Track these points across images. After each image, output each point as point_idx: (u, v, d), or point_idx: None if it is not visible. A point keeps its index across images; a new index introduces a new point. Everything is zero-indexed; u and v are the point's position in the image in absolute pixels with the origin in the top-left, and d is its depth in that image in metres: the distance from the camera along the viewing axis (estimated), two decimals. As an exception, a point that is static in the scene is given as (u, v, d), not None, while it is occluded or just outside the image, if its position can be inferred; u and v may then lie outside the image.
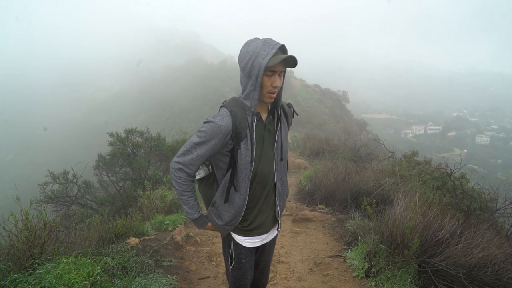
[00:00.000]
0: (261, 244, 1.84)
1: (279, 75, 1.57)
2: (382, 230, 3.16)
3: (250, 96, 1.58)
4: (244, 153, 1.62)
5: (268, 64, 1.49)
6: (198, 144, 1.60)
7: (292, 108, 1.85)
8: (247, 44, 1.56)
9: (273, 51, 1.50)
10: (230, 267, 1.83)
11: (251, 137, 1.62)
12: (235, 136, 1.58)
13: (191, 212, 1.73)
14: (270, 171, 1.73)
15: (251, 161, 1.63)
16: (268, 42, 1.53)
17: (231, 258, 1.81)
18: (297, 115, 1.88)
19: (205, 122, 1.59)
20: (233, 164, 1.64)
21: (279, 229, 1.90)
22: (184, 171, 1.65)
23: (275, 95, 1.60)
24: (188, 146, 1.63)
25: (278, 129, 1.72)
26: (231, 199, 1.70)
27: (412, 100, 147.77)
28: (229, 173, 1.66)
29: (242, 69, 1.57)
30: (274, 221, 1.86)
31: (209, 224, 1.80)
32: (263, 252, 1.93)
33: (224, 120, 1.57)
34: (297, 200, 6.08)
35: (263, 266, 2.00)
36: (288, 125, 1.83)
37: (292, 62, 1.54)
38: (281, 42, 1.55)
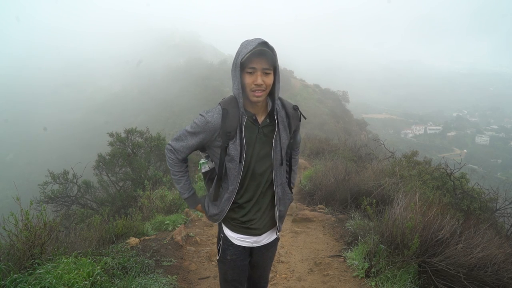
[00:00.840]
0: (252, 245, 1.80)
1: (265, 73, 1.53)
2: (382, 230, 3.16)
3: (238, 95, 1.60)
4: (233, 152, 1.61)
5: (242, 60, 1.50)
6: (189, 133, 1.67)
7: (298, 111, 1.77)
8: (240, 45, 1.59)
9: (250, 47, 1.49)
10: (217, 258, 1.88)
11: (240, 137, 1.61)
12: (223, 134, 1.59)
13: (182, 191, 1.82)
14: (263, 174, 1.69)
15: (240, 161, 1.62)
16: (251, 40, 1.54)
17: (219, 250, 1.85)
18: (305, 118, 1.82)
19: (199, 115, 1.64)
20: (221, 162, 1.65)
21: (277, 234, 1.86)
22: (174, 155, 1.73)
23: (260, 94, 1.55)
24: (181, 133, 1.71)
25: (276, 133, 1.67)
26: (220, 195, 1.73)
27: (412, 100, 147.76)
28: (219, 169, 1.69)
29: (231, 69, 1.61)
30: (271, 226, 1.82)
31: (200, 205, 1.87)
32: (261, 255, 1.88)
33: (214, 117, 1.60)
34: (297, 200, 6.08)
35: (261, 271, 1.97)
36: (291, 129, 1.75)
37: (267, 57, 1.50)
38: (264, 39, 1.52)
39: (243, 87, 1.57)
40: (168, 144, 1.76)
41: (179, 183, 1.80)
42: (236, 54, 1.56)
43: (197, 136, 1.65)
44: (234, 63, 1.56)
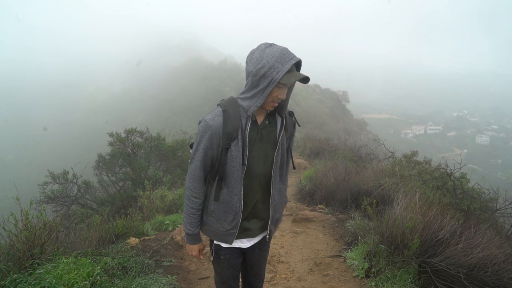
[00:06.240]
0: (242, 246, 1.79)
1: (288, 88, 1.58)
2: (382, 230, 3.16)
3: (252, 102, 1.55)
4: (235, 154, 1.59)
5: (282, 81, 1.48)
6: (197, 145, 1.62)
7: (293, 118, 1.78)
8: (262, 49, 1.50)
9: (288, 66, 1.47)
10: (211, 259, 1.87)
11: (242, 138, 1.59)
12: (225, 135, 1.56)
13: (189, 226, 1.73)
14: (260, 176, 1.69)
15: (243, 163, 1.61)
16: (284, 54, 1.48)
17: (212, 251, 1.83)
18: (299, 126, 1.83)
19: (201, 121, 1.60)
20: (222, 164, 1.61)
21: (267, 237, 1.84)
22: (194, 185, 1.68)
23: (277, 104, 1.60)
24: (191, 154, 1.65)
25: (282, 135, 1.68)
26: (226, 200, 1.67)
27: (412, 100, 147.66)
28: (218, 174, 1.64)
29: (253, 74, 1.51)
30: (263, 229, 1.81)
31: (199, 246, 1.79)
32: (253, 254, 1.88)
33: (215, 120, 1.57)
34: (297, 200, 6.08)
35: (255, 270, 1.97)
36: (288, 134, 1.75)
37: (305, 80, 1.55)
38: (298, 57, 1.52)
39: None
40: (186, 183, 1.71)
41: (189, 218, 1.72)
42: (268, 64, 1.47)
43: (205, 142, 1.59)
44: (268, 76, 1.48)
